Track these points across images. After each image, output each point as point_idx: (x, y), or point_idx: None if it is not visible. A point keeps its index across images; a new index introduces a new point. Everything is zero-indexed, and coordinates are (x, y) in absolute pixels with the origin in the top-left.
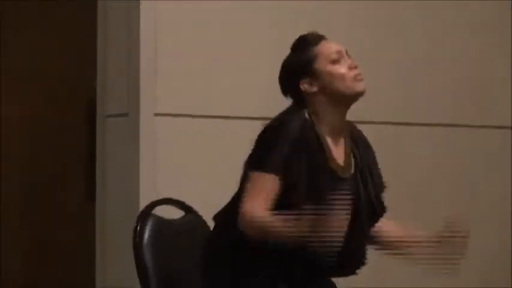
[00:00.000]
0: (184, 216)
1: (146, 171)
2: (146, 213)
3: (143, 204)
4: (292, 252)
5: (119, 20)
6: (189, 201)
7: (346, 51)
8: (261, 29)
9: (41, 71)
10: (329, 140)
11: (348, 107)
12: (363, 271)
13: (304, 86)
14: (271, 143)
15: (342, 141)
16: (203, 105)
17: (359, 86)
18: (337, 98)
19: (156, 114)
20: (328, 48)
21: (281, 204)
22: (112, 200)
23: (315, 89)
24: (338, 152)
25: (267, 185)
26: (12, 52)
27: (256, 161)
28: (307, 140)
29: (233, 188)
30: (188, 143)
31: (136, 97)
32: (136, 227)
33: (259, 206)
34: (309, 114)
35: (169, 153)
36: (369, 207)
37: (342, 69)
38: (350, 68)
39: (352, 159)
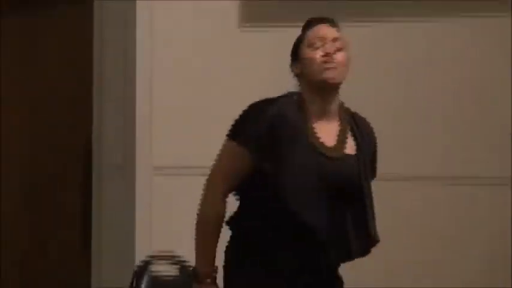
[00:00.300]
0: (180, 270)
1: (142, 223)
2: (141, 270)
3: (138, 258)
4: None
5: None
6: (185, 255)
7: (336, 39)
8: (260, 79)
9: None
10: (317, 121)
11: (324, 92)
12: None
13: (293, 68)
14: (250, 119)
15: (334, 124)
16: (199, 157)
17: (326, 73)
18: (310, 83)
19: (154, 168)
20: (314, 32)
21: (251, 182)
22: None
23: (298, 71)
24: (327, 133)
25: (235, 159)
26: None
27: (232, 131)
28: (286, 119)
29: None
30: (184, 194)
31: (133, 149)
32: (131, 284)
33: (214, 201)
34: (299, 96)
35: (165, 206)
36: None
37: (315, 54)
38: (324, 54)
39: (353, 142)
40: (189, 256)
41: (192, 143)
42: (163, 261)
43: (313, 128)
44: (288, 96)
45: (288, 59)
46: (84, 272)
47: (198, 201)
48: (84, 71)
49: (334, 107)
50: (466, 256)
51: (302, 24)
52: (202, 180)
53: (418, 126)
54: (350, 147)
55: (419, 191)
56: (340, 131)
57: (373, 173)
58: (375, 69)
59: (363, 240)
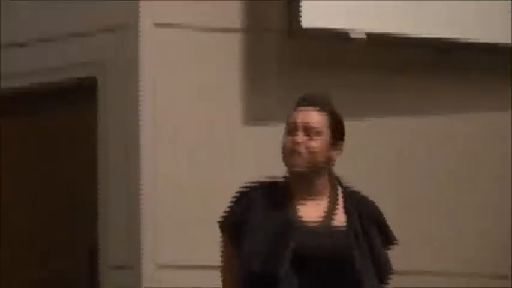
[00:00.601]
0: None
1: None
2: None
3: None
4: None
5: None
6: None
7: (309, 125)
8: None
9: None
10: (301, 200)
11: (298, 179)
12: None
13: None
14: (232, 204)
15: (323, 200)
16: (204, 256)
17: (291, 161)
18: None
19: (159, 266)
20: (292, 117)
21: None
22: None
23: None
24: (313, 209)
25: (226, 246)
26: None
27: (220, 221)
28: (259, 202)
29: None
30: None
31: (138, 249)
32: None
33: None
34: (286, 178)
35: None
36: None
37: (288, 141)
38: (294, 142)
39: (344, 216)
40: None
41: (196, 240)
42: None
43: (295, 208)
44: (278, 177)
45: None
46: None
47: None
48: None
49: (319, 185)
50: None
51: None
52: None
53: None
54: (339, 221)
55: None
56: (328, 206)
57: (387, 239)
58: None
59: None
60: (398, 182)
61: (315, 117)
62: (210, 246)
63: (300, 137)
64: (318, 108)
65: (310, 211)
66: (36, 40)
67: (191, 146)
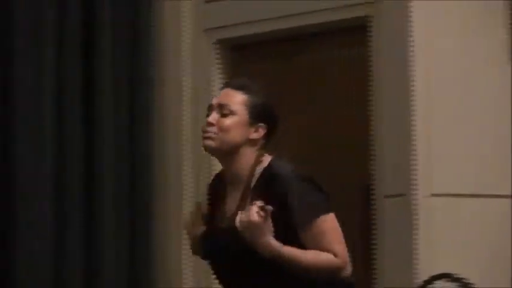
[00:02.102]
0: None
1: (423, 250)
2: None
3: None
4: None
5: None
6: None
7: (223, 104)
8: None
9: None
10: (229, 188)
11: (219, 161)
12: None
13: None
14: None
15: (239, 189)
16: (479, 185)
17: (204, 143)
18: None
19: (433, 195)
20: (211, 100)
21: None
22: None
23: None
24: (234, 199)
25: None
26: None
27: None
28: (211, 191)
29: None
30: (465, 223)
31: (413, 178)
32: None
33: None
34: None
35: (446, 233)
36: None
37: (205, 123)
38: (207, 122)
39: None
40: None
41: (467, 169)
42: (445, 280)
43: (218, 202)
44: None
45: None
46: None
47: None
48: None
49: (238, 171)
50: None
51: None
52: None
53: None
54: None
55: None
56: (241, 198)
57: (301, 221)
58: None
59: None
60: None
61: (229, 97)
62: (480, 176)
63: (213, 116)
64: (235, 89)
65: (232, 203)
66: None
67: (464, 76)
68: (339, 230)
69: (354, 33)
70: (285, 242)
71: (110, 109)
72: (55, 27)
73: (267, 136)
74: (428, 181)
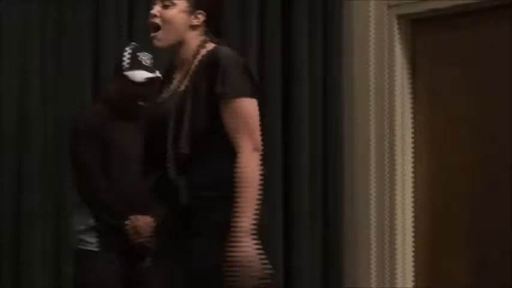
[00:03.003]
0: None
1: None
2: None
3: None
4: None
5: None
6: None
7: None
8: None
9: None
10: (176, 71)
11: (169, 49)
12: None
13: None
14: None
15: (184, 70)
16: None
17: (154, 43)
18: None
19: None
20: None
21: None
22: None
23: None
24: (178, 80)
25: None
26: None
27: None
28: (164, 75)
29: None
30: None
31: None
32: None
33: None
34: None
35: None
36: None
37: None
38: (151, 15)
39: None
40: None
41: None
42: None
43: (171, 78)
44: None
45: None
46: None
47: None
48: None
49: (183, 56)
50: None
51: None
52: None
53: None
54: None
55: None
56: (182, 77)
57: (224, 94)
58: None
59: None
60: None
61: None
62: None
63: (156, 9)
64: None
65: (177, 83)
66: None
67: None
68: (255, 117)
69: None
70: (209, 121)
71: (305, 86)
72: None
73: (209, 22)
74: None
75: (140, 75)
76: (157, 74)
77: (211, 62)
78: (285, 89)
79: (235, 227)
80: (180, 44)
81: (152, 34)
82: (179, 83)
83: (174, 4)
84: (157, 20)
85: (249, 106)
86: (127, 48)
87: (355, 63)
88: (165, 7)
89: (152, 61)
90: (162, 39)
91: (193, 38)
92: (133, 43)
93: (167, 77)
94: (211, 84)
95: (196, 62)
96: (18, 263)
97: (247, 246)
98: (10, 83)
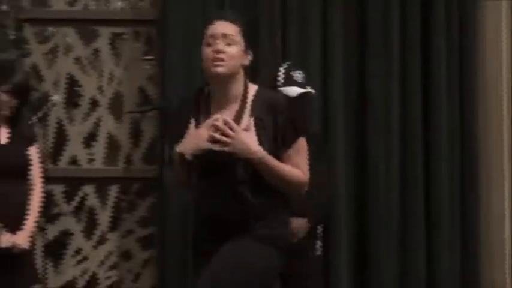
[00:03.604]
0: None
1: None
2: None
3: None
4: None
5: None
6: None
7: (227, 35)
8: None
9: None
10: (217, 107)
11: (218, 84)
12: None
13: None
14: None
15: (234, 106)
16: None
17: (214, 69)
18: (207, 77)
19: None
20: (210, 30)
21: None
22: None
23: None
24: (227, 113)
25: None
26: None
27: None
28: (190, 107)
29: None
30: None
31: None
32: None
33: None
34: (207, 88)
35: None
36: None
37: (207, 51)
38: (214, 51)
39: (250, 119)
40: None
41: None
42: None
43: (204, 114)
44: (200, 89)
45: None
46: None
47: None
48: None
49: (235, 89)
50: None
51: None
52: None
53: None
54: (245, 124)
55: None
56: (237, 111)
57: (294, 133)
58: None
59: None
60: None
61: (229, 28)
62: None
63: (221, 45)
64: (229, 21)
65: (224, 115)
66: None
67: None
68: (307, 152)
69: None
70: (268, 151)
71: (444, 92)
72: (399, 24)
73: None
74: None
75: (293, 90)
76: (309, 89)
77: (274, 103)
78: (424, 88)
79: None
80: (234, 78)
81: (216, 63)
82: (237, 114)
83: (235, 43)
84: (222, 55)
85: (305, 143)
86: (281, 68)
87: (486, 64)
88: (228, 45)
89: (304, 77)
90: (226, 66)
91: (242, 76)
92: (287, 62)
93: (196, 104)
94: (280, 122)
95: (250, 98)
96: None
97: None
98: None
